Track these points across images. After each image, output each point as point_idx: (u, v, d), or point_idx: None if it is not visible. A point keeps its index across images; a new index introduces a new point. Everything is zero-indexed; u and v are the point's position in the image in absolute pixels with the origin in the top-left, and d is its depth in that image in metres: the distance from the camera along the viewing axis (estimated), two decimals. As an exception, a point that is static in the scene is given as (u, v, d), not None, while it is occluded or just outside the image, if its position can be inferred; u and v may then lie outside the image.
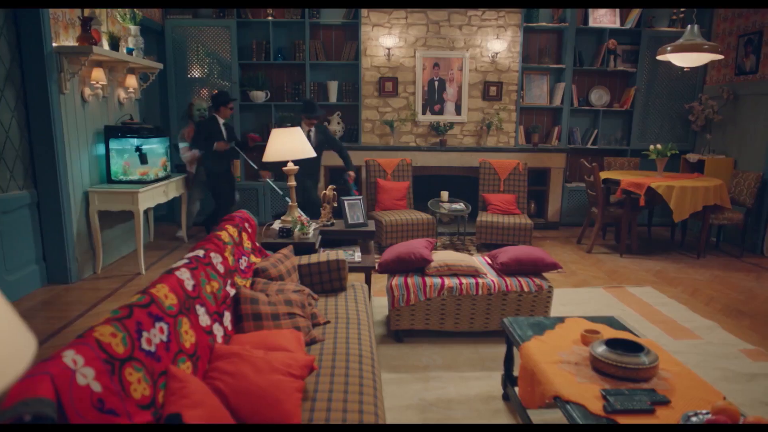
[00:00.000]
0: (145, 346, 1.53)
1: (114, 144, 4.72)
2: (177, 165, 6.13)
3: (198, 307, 1.96)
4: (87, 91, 4.58)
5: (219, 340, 2.06)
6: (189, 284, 1.94)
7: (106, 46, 4.72)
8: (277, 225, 3.90)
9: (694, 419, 1.76)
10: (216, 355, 1.88)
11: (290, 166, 3.94)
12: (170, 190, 5.27)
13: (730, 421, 1.66)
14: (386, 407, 2.65)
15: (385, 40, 6.19)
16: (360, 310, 2.87)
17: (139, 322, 1.56)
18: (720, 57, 4.85)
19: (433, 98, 6.46)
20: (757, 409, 2.67)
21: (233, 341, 2.11)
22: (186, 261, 2.09)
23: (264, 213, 6.40)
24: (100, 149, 4.79)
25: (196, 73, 6.28)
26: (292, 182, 3.97)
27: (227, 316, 2.22)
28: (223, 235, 2.56)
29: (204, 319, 1.97)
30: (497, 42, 6.28)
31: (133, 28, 5.08)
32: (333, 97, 6.43)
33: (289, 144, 3.83)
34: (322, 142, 5.31)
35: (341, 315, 2.76)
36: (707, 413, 1.76)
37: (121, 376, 1.39)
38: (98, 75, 4.58)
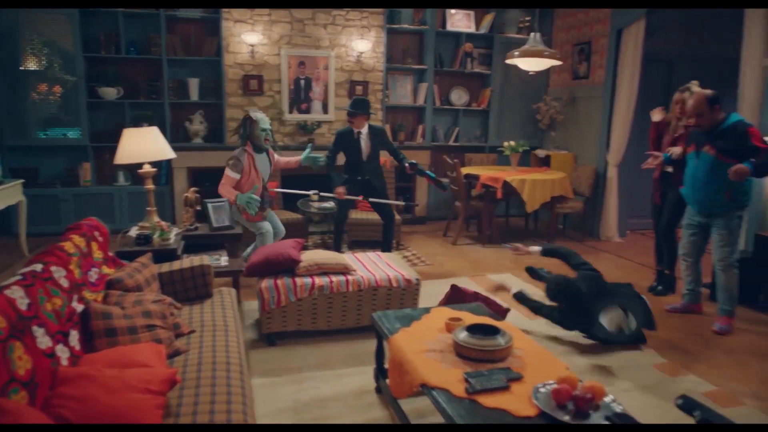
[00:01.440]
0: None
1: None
2: (12, 169, 5.44)
3: (35, 328, 1.75)
4: None
5: (64, 362, 1.86)
6: (23, 303, 1.73)
7: None
8: (134, 232, 3.62)
9: (542, 390, 1.93)
10: (60, 379, 1.70)
11: (146, 168, 3.68)
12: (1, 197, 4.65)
13: (571, 388, 1.85)
14: (259, 413, 2.58)
15: (249, 36, 6.01)
16: (228, 316, 2.77)
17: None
18: (559, 63, 5.38)
19: (300, 97, 6.41)
20: (594, 374, 3.01)
21: (82, 362, 1.92)
22: (19, 277, 1.86)
23: (120, 219, 5.91)
24: None
25: (31, 65, 5.60)
26: (150, 185, 3.71)
27: (74, 335, 2.01)
28: (67, 245, 2.31)
29: (43, 341, 1.76)
30: (362, 42, 6.39)
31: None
32: (194, 95, 6.10)
33: (144, 145, 3.57)
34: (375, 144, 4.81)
35: (207, 323, 2.64)
36: (553, 383, 1.94)
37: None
38: None
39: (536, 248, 3.75)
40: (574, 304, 3.37)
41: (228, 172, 4.17)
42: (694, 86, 4.10)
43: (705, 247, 3.96)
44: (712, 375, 3.10)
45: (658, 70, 6.59)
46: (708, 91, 3.63)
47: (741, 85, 4.54)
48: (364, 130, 4.78)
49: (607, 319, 3.28)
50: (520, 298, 3.69)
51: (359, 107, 4.69)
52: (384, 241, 5.01)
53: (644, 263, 5.31)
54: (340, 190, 4.65)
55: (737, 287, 3.73)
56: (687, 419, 1.80)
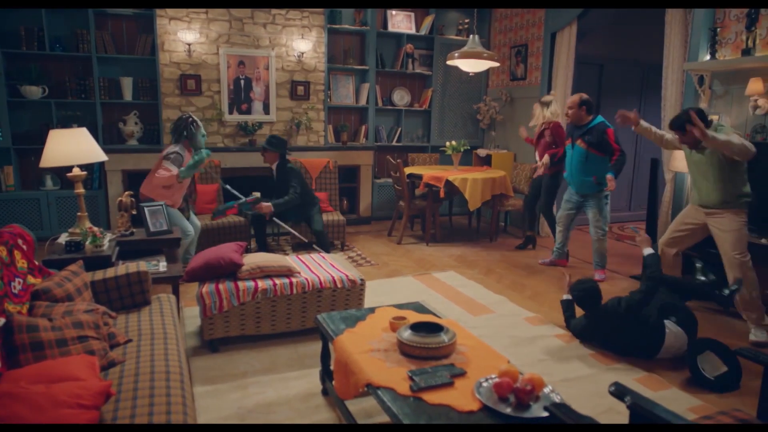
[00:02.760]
0: None
1: None
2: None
3: (-49, 344, 1.63)
4: None
5: (-15, 380, 1.74)
6: (-64, 318, 1.60)
7: None
8: (63, 239, 3.44)
9: (485, 384, 1.98)
10: (-20, 398, 1.59)
11: (76, 171, 3.51)
12: None
13: (512, 380, 1.91)
14: (202, 422, 2.51)
15: (185, 35, 5.83)
16: (167, 323, 2.68)
17: None
18: (497, 64, 5.53)
19: (240, 97, 6.28)
20: (535, 366, 3.11)
21: (5, 379, 1.80)
22: (-69, 290, 1.72)
23: (49, 225, 5.59)
24: None
25: (-56, 63, 5.21)
26: (81, 190, 3.54)
27: (-5, 351, 1.88)
28: (-13, 255, 2.16)
29: (-39, 358, 1.65)
30: (302, 42, 6.33)
31: None
32: (128, 95, 5.86)
33: (73, 147, 3.40)
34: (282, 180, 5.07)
35: (145, 331, 2.54)
36: (495, 377, 1.99)
37: None
38: None
39: (649, 250, 3.42)
40: (595, 313, 3.38)
41: (168, 164, 4.23)
42: (546, 97, 5.42)
43: (576, 219, 5.05)
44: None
45: (589, 71, 6.90)
46: (584, 96, 4.64)
47: (663, 87, 4.82)
48: (275, 166, 5.14)
49: (708, 365, 2.98)
50: (566, 306, 3.64)
51: (269, 145, 5.05)
52: (321, 247, 5.10)
53: (584, 259, 5.53)
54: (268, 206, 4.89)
55: (606, 250, 4.79)
56: (620, 405, 1.89)
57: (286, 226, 5.15)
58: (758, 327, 3.55)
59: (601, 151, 4.50)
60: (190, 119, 4.38)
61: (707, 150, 3.46)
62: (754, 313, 3.54)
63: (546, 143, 5.35)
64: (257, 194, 4.81)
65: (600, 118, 4.59)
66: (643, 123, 3.84)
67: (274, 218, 5.04)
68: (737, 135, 3.34)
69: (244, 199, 4.81)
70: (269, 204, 4.82)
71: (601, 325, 3.35)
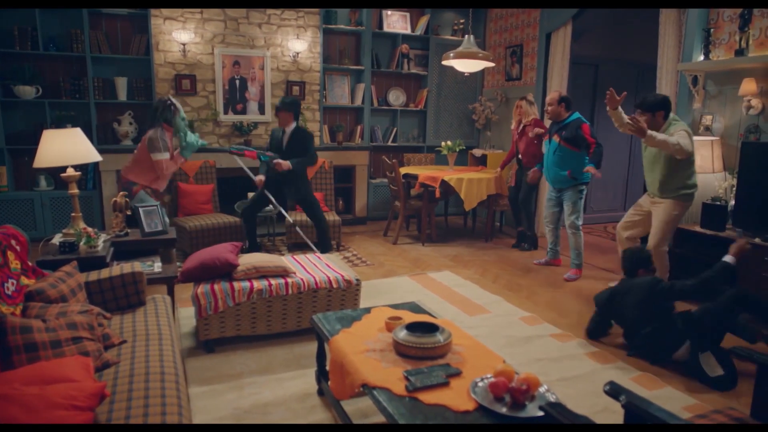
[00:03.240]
0: None
1: None
2: None
3: (-56, 345, 1.62)
4: None
5: (-22, 382, 1.73)
6: (-72, 320, 1.59)
7: None
8: (57, 239, 3.42)
9: (480, 384, 1.98)
10: (-27, 400, 1.58)
11: (70, 172, 3.49)
12: None
13: (508, 380, 1.91)
14: (198, 423, 2.50)
15: (180, 35, 5.81)
16: (162, 324, 2.67)
17: None
18: (492, 64, 5.54)
19: (235, 97, 6.26)
20: (531, 366, 3.12)
21: (-2, 380, 1.79)
22: (-76, 292, 1.71)
23: (42, 226, 5.57)
24: None
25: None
26: (75, 190, 3.52)
27: (-12, 352, 1.87)
28: (-20, 256, 2.15)
29: (-47, 360, 1.63)
30: (298, 42, 6.32)
31: None
32: (122, 95, 5.83)
33: (67, 147, 3.38)
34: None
35: (140, 332, 2.53)
36: (490, 377, 1.99)
37: None
38: None
39: (732, 259, 3.21)
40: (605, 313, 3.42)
41: (158, 155, 4.26)
42: (530, 96, 5.60)
43: (561, 217, 5.06)
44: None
45: (585, 72, 6.92)
46: (563, 93, 4.90)
47: (658, 87, 4.84)
48: (289, 129, 4.97)
49: (707, 367, 2.97)
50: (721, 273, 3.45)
51: (283, 105, 4.90)
52: (320, 241, 5.05)
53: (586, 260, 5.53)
54: (261, 178, 4.94)
55: (582, 245, 4.88)
56: (616, 404, 1.89)
57: (273, 200, 4.99)
58: None
59: (575, 146, 4.67)
60: (168, 102, 4.35)
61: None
62: None
63: (529, 139, 5.46)
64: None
65: (576, 114, 4.76)
66: (620, 110, 3.86)
67: (266, 191, 4.95)
68: (684, 133, 3.71)
69: (263, 151, 4.85)
70: (287, 162, 4.79)
71: (631, 294, 3.25)
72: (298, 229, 5.24)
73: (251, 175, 5.02)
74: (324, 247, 5.09)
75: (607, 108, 3.87)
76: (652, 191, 4.11)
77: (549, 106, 4.84)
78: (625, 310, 3.31)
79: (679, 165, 3.84)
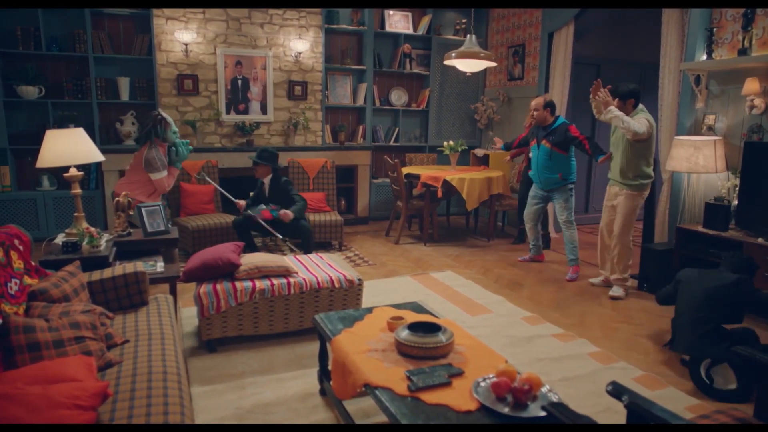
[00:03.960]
0: None
1: None
2: None
3: (-53, 345, 1.62)
4: None
5: (-19, 381, 1.73)
6: (-68, 319, 1.60)
7: None
8: (60, 239, 3.43)
9: (482, 384, 1.98)
10: (-24, 400, 1.58)
11: (73, 172, 3.50)
12: None
13: (510, 380, 1.91)
14: (200, 422, 2.51)
15: (182, 35, 5.82)
16: (164, 323, 2.67)
17: None
18: (494, 64, 5.53)
19: (237, 97, 6.27)
20: (533, 366, 3.11)
21: (1, 380, 1.79)
22: (-73, 291, 1.72)
23: (45, 226, 5.58)
24: None
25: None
26: (77, 190, 3.53)
27: (-8, 352, 1.88)
28: (-17, 255, 2.16)
29: (-43, 359, 1.64)
30: (300, 42, 6.32)
31: None
32: (125, 95, 5.85)
33: (69, 147, 3.39)
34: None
35: (142, 332, 2.53)
36: (493, 377, 1.99)
37: None
38: None
39: None
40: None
41: (157, 175, 4.27)
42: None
43: (542, 214, 5.28)
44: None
45: (587, 71, 6.90)
46: (548, 97, 5.00)
47: (660, 87, 4.83)
48: (267, 179, 5.10)
49: (720, 377, 2.90)
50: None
51: (261, 159, 5.01)
52: (303, 243, 5.06)
53: (582, 258, 5.53)
54: (241, 203, 5.06)
55: (577, 239, 4.99)
56: (618, 404, 1.89)
57: (272, 230, 4.93)
58: (619, 285, 4.44)
59: (564, 149, 4.83)
60: (159, 117, 4.33)
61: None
62: (618, 273, 4.44)
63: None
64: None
65: (561, 118, 4.93)
66: (600, 97, 4.19)
67: (264, 223, 4.93)
68: (644, 120, 4.04)
69: (270, 207, 4.97)
70: (290, 212, 4.86)
71: (708, 280, 3.09)
72: (289, 244, 5.41)
73: (232, 198, 5.09)
74: (308, 249, 5.09)
75: (590, 96, 4.28)
76: (614, 176, 4.37)
77: (535, 111, 4.91)
78: (696, 295, 3.09)
79: (637, 151, 4.17)
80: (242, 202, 5.04)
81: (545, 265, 5.31)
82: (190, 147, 4.55)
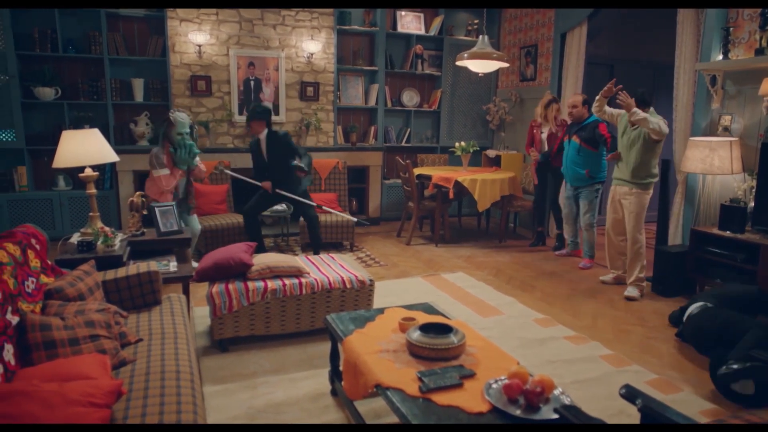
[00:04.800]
0: None
1: None
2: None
3: (-34, 342, 1.65)
4: None
5: (-2, 378, 1.76)
6: (-49, 317, 1.63)
7: None
8: (75, 238, 3.47)
9: (494, 386, 1.97)
10: (-6, 396, 1.61)
11: (88, 172, 3.54)
12: None
13: (522, 382, 1.90)
14: (212, 422, 2.52)
15: (196, 36, 5.87)
16: (177, 323, 2.69)
17: None
18: (506, 65, 5.52)
19: (250, 98, 6.30)
20: (545, 368, 3.09)
21: (18, 377, 1.83)
22: (-53, 289, 1.75)
23: (61, 225, 5.65)
24: None
25: (-41, 65, 5.28)
26: (92, 190, 3.57)
27: (8, 350, 1.91)
28: (0, 254, 2.19)
29: (-25, 356, 1.67)
30: (312, 43, 6.35)
31: None
32: (139, 96, 5.91)
33: (85, 147, 3.43)
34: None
35: (156, 331, 2.56)
36: (504, 379, 1.98)
37: None
38: None
39: None
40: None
41: (155, 172, 4.42)
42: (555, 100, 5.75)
43: (578, 212, 5.35)
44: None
45: (600, 72, 6.85)
46: (584, 96, 5.11)
47: (675, 87, 4.78)
48: (263, 135, 5.06)
49: (738, 384, 2.85)
50: None
51: (255, 114, 5.03)
52: (312, 242, 5.09)
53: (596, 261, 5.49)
54: (267, 184, 5.07)
55: (595, 241, 5.23)
56: (631, 407, 1.88)
57: (289, 195, 5.06)
58: (634, 286, 4.46)
59: (592, 146, 4.97)
60: (167, 117, 4.49)
61: (636, 129, 4.26)
62: (633, 276, 4.47)
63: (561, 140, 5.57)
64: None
65: (594, 116, 4.92)
66: (603, 99, 4.42)
67: (277, 189, 5.03)
68: (661, 120, 4.13)
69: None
70: (302, 166, 4.95)
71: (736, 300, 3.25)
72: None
73: (257, 183, 5.12)
74: (317, 247, 5.17)
75: (600, 94, 4.39)
76: (623, 176, 4.44)
77: (574, 108, 5.07)
78: (727, 314, 3.15)
79: (651, 152, 4.28)
80: (268, 183, 5.07)
81: (558, 266, 5.28)
82: (196, 151, 4.58)
